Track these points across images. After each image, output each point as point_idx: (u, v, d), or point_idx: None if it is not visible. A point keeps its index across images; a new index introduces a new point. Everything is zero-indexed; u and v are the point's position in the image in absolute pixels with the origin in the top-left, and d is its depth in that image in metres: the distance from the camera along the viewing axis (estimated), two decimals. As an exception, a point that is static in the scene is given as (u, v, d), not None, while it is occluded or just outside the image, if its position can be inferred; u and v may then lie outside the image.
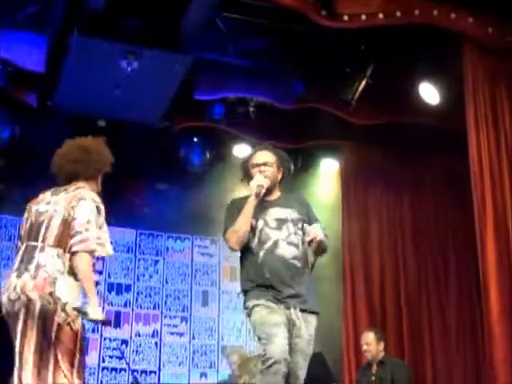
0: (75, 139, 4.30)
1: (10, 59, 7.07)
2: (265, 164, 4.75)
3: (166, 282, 9.18)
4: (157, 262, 9.23)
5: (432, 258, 8.93)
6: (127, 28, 6.50)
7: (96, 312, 3.71)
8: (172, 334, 8.97)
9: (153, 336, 8.87)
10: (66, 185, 4.12)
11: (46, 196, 4.08)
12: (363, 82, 7.44)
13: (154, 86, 7.24)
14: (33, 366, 3.61)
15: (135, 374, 7.73)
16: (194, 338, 9.06)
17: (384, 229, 9.10)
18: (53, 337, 3.66)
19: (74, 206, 3.87)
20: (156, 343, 8.87)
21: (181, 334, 9.02)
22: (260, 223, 4.61)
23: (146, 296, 8.99)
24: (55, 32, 6.81)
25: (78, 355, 3.75)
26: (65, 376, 3.63)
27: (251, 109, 8.14)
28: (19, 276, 3.75)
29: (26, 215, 4.06)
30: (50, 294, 3.66)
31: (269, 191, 4.70)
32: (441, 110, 7.59)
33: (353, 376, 8.10)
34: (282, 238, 4.55)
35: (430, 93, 7.47)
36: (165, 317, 9.03)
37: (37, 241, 3.84)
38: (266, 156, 4.80)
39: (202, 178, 8.89)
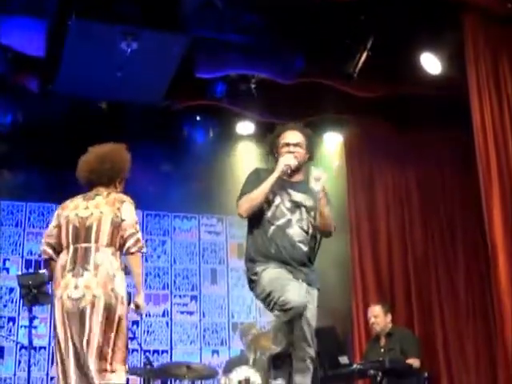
0: (96, 147, 4.51)
1: (10, 45, 7.05)
2: (296, 145, 4.77)
3: (174, 262, 9.20)
4: (164, 242, 9.24)
5: (439, 228, 8.93)
6: (125, 10, 6.48)
7: (144, 305, 4.20)
8: (182, 313, 8.99)
9: (163, 316, 8.91)
10: (89, 190, 4.40)
11: (79, 202, 4.33)
12: (364, 55, 7.41)
13: (155, 66, 7.23)
14: (96, 357, 3.95)
15: (147, 354, 7.76)
16: (204, 316, 9.08)
17: (390, 201, 9.10)
18: (115, 328, 4.03)
19: (120, 208, 4.20)
20: (167, 323, 8.90)
21: (191, 313, 9.05)
22: (277, 199, 4.66)
23: (154, 276, 9.02)
24: (54, 16, 6.79)
25: (125, 349, 4.13)
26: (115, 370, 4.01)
27: (253, 85, 8.12)
28: (76, 276, 4.05)
29: (60, 221, 4.30)
30: (112, 289, 4.02)
31: (294, 172, 4.74)
32: (443, 79, 7.56)
33: (363, 348, 8.14)
34: (295, 220, 4.62)
35: (431, 63, 7.43)
36: (174, 296, 9.06)
37: (89, 242, 4.14)
38: (298, 136, 4.82)
39: (205, 157, 8.88)
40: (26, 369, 6.71)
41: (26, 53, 7.12)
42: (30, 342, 6.55)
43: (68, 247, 4.17)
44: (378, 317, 7.29)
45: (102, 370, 3.96)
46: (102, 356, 3.98)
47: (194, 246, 9.37)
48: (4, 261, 8.50)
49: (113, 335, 4.02)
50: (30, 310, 6.58)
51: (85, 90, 7.60)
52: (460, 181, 8.70)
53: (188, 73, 7.53)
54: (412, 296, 8.67)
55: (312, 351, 4.49)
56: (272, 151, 4.88)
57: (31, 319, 6.57)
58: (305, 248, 4.60)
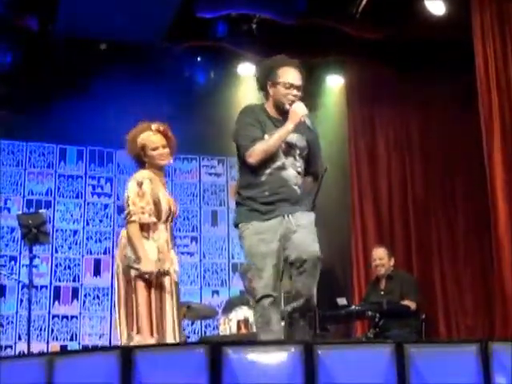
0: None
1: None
2: (299, 88, 4.45)
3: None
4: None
5: (440, 173, 8.91)
6: None
7: (146, 265, 4.54)
8: (183, 253, 9.03)
9: (164, 257, 8.96)
10: None
11: None
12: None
13: (155, 4, 7.15)
14: (122, 314, 4.59)
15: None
16: (204, 257, 9.15)
17: (391, 144, 9.07)
18: (133, 287, 4.57)
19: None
20: (167, 263, 8.96)
21: (191, 254, 9.10)
22: None
23: (155, 217, 9.05)
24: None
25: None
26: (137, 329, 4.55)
27: (254, 26, 8.03)
28: None
29: None
30: (125, 255, 4.61)
31: (287, 112, 4.41)
32: (446, 21, 7.47)
33: (362, 290, 8.21)
34: (289, 162, 4.44)
35: (435, 4, 7.35)
36: (175, 237, 9.10)
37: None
38: (300, 78, 4.46)
39: (206, 98, 8.84)
40: (28, 307, 6.80)
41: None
42: (31, 280, 6.62)
43: None
44: (383, 259, 7.29)
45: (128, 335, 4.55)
46: (128, 322, 4.57)
47: (195, 187, 9.38)
48: (5, 200, 8.53)
49: (134, 298, 4.58)
50: (31, 250, 6.63)
51: (84, 30, 7.53)
52: (461, 124, 8.64)
53: (189, 12, 7.45)
54: (411, 240, 8.70)
55: (310, 291, 4.29)
56: (265, 81, 4.52)
57: (32, 258, 6.63)
58: (299, 191, 4.44)
